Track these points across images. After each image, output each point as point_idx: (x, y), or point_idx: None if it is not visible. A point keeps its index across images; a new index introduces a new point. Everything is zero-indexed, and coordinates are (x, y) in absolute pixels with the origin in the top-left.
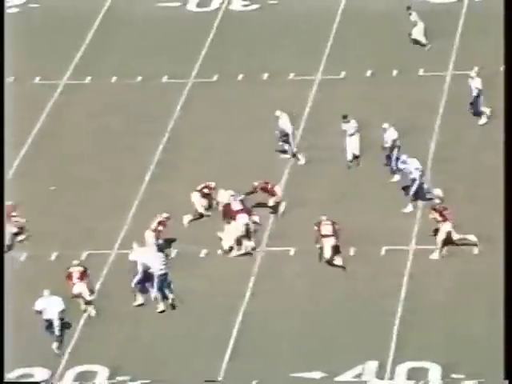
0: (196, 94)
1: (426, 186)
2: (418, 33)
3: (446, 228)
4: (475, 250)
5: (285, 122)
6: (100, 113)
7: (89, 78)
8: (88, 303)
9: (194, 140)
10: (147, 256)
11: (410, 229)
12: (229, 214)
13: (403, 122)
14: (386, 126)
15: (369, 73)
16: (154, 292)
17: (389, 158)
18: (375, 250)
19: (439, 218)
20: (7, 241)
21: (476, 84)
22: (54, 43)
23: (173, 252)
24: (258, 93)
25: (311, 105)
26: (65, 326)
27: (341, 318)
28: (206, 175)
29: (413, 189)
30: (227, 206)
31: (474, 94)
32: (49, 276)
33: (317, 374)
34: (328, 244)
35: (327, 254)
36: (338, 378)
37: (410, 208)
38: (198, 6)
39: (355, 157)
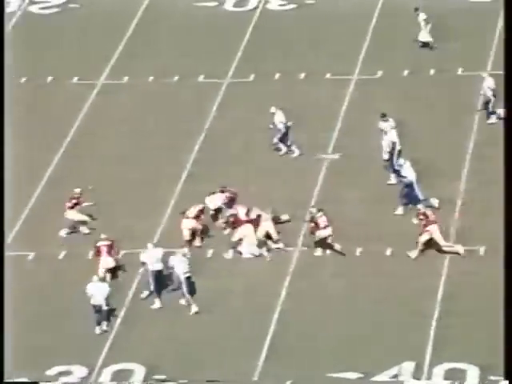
0: (232, 94)
1: (419, 193)
2: (425, 34)
3: (435, 231)
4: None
5: (280, 119)
6: (136, 112)
7: (126, 77)
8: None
9: (231, 139)
10: (173, 259)
11: (447, 229)
12: (236, 223)
13: (441, 121)
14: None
15: (406, 72)
16: (148, 292)
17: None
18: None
19: (423, 223)
20: (86, 218)
21: (489, 84)
22: (91, 43)
23: (208, 252)
24: (294, 92)
25: (348, 104)
26: (111, 312)
27: (377, 318)
28: (242, 175)
29: (403, 193)
30: (234, 216)
31: (488, 94)
32: (87, 274)
33: (353, 375)
34: (329, 233)
35: (337, 245)
36: (374, 379)
37: (400, 211)
38: (235, 5)
39: None
